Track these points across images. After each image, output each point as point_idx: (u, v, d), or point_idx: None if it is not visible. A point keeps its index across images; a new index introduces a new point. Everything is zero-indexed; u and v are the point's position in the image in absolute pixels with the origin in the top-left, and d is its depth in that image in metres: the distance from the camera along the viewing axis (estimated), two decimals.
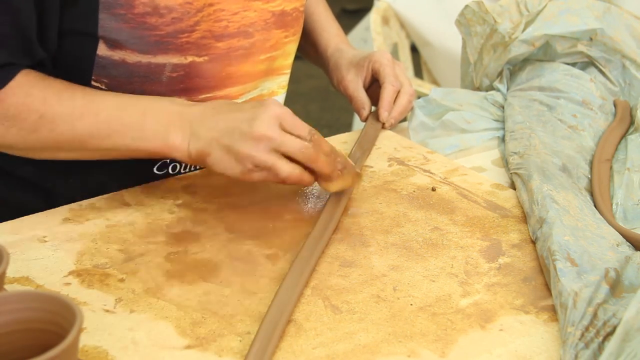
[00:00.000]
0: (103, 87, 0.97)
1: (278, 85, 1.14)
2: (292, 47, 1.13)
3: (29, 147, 0.92)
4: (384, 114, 1.18)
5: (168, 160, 1.06)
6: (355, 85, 1.22)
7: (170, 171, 1.07)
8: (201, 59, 0.99)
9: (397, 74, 1.21)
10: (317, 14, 1.31)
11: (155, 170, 1.06)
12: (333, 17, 1.34)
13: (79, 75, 0.96)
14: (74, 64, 0.96)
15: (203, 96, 1.03)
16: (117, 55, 0.95)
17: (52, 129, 0.90)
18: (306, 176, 0.90)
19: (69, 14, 0.92)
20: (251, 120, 0.88)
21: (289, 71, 1.15)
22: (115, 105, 0.93)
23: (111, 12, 0.92)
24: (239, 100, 1.07)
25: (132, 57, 0.95)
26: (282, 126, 0.88)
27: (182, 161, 0.97)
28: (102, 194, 0.99)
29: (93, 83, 0.97)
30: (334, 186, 0.93)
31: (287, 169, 0.88)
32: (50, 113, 0.90)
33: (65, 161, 0.97)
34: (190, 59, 0.98)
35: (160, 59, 0.96)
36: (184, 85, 1.00)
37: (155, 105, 0.94)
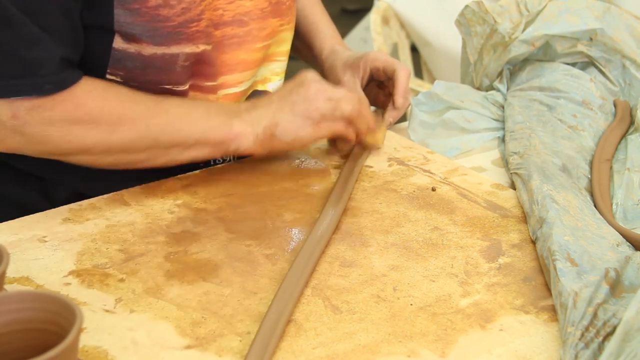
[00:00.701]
0: (118, 80, 0.98)
1: (271, 72, 1.15)
2: (286, 35, 1.14)
3: (106, 148, 0.94)
4: (399, 100, 1.17)
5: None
6: (352, 86, 1.22)
7: None
8: (209, 47, 1.02)
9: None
10: (312, 15, 1.31)
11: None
12: (329, 19, 1.34)
13: (94, 69, 0.97)
14: (90, 58, 0.97)
15: (207, 83, 1.05)
16: (132, 48, 0.96)
17: (130, 129, 0.94)
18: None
19: (86, 10, 0.93)
20: (299, 86, 0.99)
21: (284, 58, 1.16)
22: (180, 104, 0.99)
23: (126, 6, 0.93)
24: (237, 89, 1.09)
25: (147, 50, 0.96)
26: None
27: (248, 150, 1.00)
28: (103, 184, 1.00)
29: (108, 76, 0.98)
30: (377, 137, 1.08)
31: (349, 105, 1.00)
32: (129, 114, 0.94)
33: None
34: (202, 47, 1.00)
35: (174, 50, 0.98)
36: (192, 72, 1.02)
37: (214, 104, 1.02)
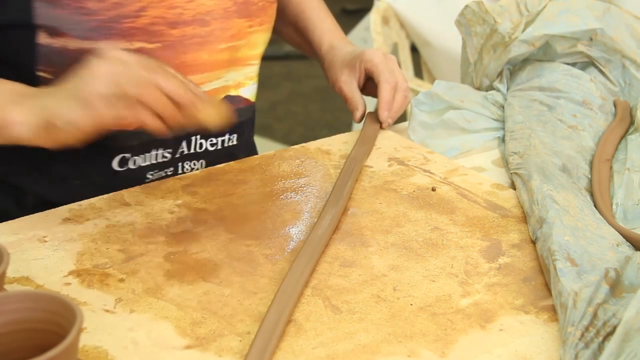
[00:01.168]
0: (50, 77, 0.95)
1: (245, 77, 1.13)
2: (259, 38, 1.12)
3: None
4: (383, 114, 1.17)
5: (129, 155, 1.04)
6: (350, 87, 1.22)
7: (131, 166, 1.05)
8: (152, 46, 0.99)
9: (392, 69, 1.20)
10: (309, 10, 1.30)
11: (114, 166, 1.04)
12: (327, 12, 1.32)
13: (23, 67, 0.95)
14: (16, 56, 0.95)
15: None
16: (57, 42, 0.94)
17: None
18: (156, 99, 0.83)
19: (1, 7, 0.91)
20: (89, 66, 0.83)
21: (256, 62, 1.14)
22: None
23: None
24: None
25: (72, 44, 0.94)
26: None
27: (30, 141, 0.85)
28: (66, 189, 1.00)
29: (39, 73, 0.96)
30: (205, 115, 0.85)
31: (135, 86, 0.81)
32: None
33: (26, 155, 0.97)
34: (138, 45, 0.98)
35: (102, 45, 0.94)
36: None
37: (6, 86, 0.88)
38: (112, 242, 0.88)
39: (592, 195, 1.00)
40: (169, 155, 1.08)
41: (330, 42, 1.27)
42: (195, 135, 1.09)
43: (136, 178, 1.06)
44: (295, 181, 1.03)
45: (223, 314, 0.76)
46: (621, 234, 0.90)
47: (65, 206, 0.96)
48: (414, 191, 1.01)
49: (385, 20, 2.29)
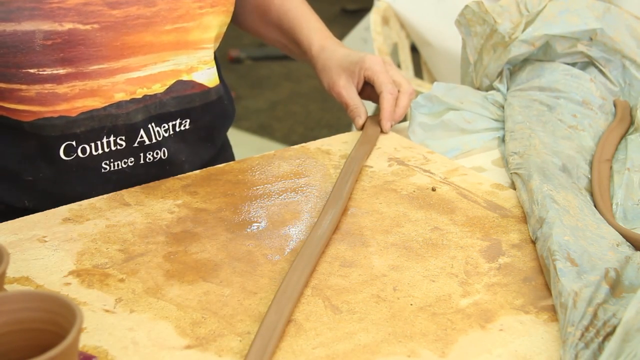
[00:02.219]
0: None
1: (198, 61, 1.09)
2: (211, 20, 1.08)
3: None
4: (386, 125, 1.17)
5: (74, 143, 1.02)
6: (349, 93, 1.20)
7: (80, 154, 1.03)
8: (88, 27, 0.96)
9: (393, 77, 1.20)
10: (293, 9, 1.26)
11: (62, 155, 1.02)
12: (311, 11, 1.28)
13: None
14: None
15: (95, 67, 0.99)
16: None
17: None
18: None
19: None
20: None
21: (211, 46, 1.10)
22: None
23: None
24: (141, 74, 1.03)
25: None
26: None
27: None
28: (22, 189, 1.00)
29: None
30: None
31: None
32: None
33: None
34: (69, 26, 0.95)
35: (26, 26, 0.92)
36: (65, 54, 0.96)
37: None
38: (112, 242, 0.88)
39: (592, 195, 1.00)
40: (123, 144, 1.05)
41: (320, 42, 1.24)
42: (151, 122, 1.06)
43: (91, 168, 1.03)
44: (295, 181, 1.03)
45: (223, 314, 0.76)
46: (621, 234, 0.90)
47: (65, 206, 0.96)
48: (414, 191, 1.01)
49: (385, 20, 2.29)
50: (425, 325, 0.75)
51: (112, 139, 1.04)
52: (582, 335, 0.71)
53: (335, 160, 1.10)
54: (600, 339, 0.70)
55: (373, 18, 2.29)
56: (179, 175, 1.04)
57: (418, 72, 2.44)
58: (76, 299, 0.78)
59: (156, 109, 1.06)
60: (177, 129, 1.09)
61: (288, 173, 1.05)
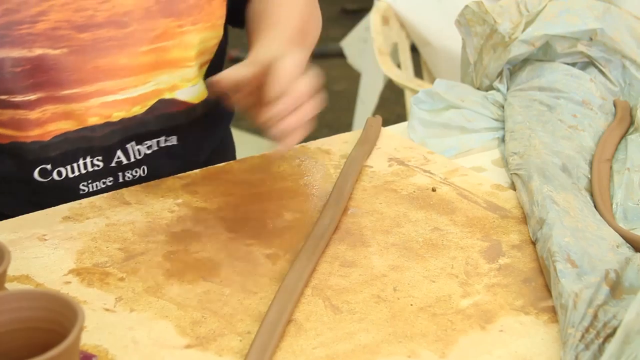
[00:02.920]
0: None
1: (181, 79, 1.04)
2: (193, 38, 1.02)
3: None
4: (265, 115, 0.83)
5: (49, 167, 1.00)
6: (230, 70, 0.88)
7: (55, 177, 1.01)
8: (57, 52, 0.93)
9: (298, 85, 0.83)
10: (272, 7, 1.04)
11: (36, 177, 1.01)
12: (294, 18, 1.02)
13: None
14: None
15: (69, 91, 0.96)
16: None
17: None
18: None
19: None
20: None
21: (193, 64, 1.04)
22: None
23: None
24: (118, 97, 1.00)
25: None
26: None
27: None
28: None
29: None
30: None
31: None
32: None
33: None
34: (39, 51, 0.92)
35: None
36: (35, 80, 0.94)
37: None
38: (112, 240, 0.88)
39: (592, 195, 1.00)
40: (100, 164, 1.03)
41: (266, 42, 0.95)
42: (130, 142, 1.04)
43: (68, 190, 1.01)
44: (295, 181, 1.03)
45: (223, 314, 0.76)
46: (621, 235, 0.90)
47: (65, 205, 0.96)
48: (414, 191, 1.01)
49: (385, 20, 2.29)
50: (426, 326, 0.75)
51: (88, 160, 1.02)
52: (583, 336, 0.71)
53: (335, 160, 1.10)
54: (601, 340, 0.70)
55: (373, 18, 2.29)
56: (179, 174, 1.04)
57: (418, 72, 2.44)
58: (76, 297, 0.78)
59: (136, 129, 1.03)
60: (163, 145, 1.07)
61: (288, 173, 1.05)
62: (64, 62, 0.95)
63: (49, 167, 1.01)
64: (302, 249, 0.85)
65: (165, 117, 1.05)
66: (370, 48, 2.45)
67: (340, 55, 3.17)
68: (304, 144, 1.15)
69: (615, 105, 1.23)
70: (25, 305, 0.62)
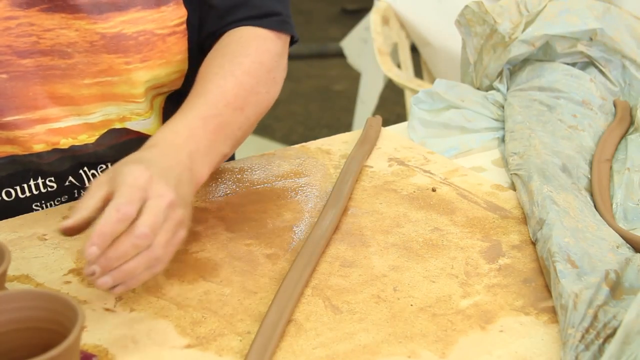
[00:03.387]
0: None
1: (130, 112, 0.99)
2: (142, 76, 0.97)
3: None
4: (89, 249, 0.69)
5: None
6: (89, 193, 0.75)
7: (5, 198, 0.98)
8: None
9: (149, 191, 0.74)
10: (202, 76, 0.95)
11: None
12: (226, 90, 0.92)
13: None
14: None
15: (9, 118, 0.94)
16: None
17: None
18: None
19: None
20: None
21: (143, 100, 0.99)
22: None
23: None
24: (62, 124, 0.96)
25: None
26: None
27: None
28: None
29: None
30: None
31: None
32: None
33: None
34: None
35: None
36: None
37: None
38: None
39: (592, 195, 1.00)
40: (54, 185, 1.00)
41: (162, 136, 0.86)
42: (82, 167, 1.00)
43: (20, 210, 0.97)
44: (295, 181, 1.03)
45: (223, 314, 0.76)
46: (621, 236, 0.90)
47: (65, 204, 0.96)
48: (414, 191, 1.01)
49: (385, 20, 2.29)
50: (426, 326, 0.75)
51: (40, 181, 0.99)
52: (583, 337, 0.71)
53: (336, 160, 1.10)
54: (601, 341, 0.70)
55: (373, 18, 2.29)
56: None
57: (418, 72, 2.44)
58: (76, 297, 0.78)
59: (88, 158, 1.00)
60: None
61: (288, 172, 1.05)
62: (4, 88, 0.92)
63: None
64: (302, 249, 0.85)
65: (118, 147, 1.01)
66: (370, 48, 2.45)
67: (340, 55, 3.17)
68: (304, 144, 1.15)
69: (615, 105, 1.23)
70: (25, 305, 0.62)
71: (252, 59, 0.96)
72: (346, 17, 4.44)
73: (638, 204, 0.97)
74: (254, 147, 3.32)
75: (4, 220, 0.92)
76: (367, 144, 1.12)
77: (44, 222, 0.92)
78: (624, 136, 1.15)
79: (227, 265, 0.84)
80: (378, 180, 1.04)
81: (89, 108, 0.97)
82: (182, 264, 0.84)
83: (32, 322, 0.62)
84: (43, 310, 0.62)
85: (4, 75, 0.92)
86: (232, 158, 1.26)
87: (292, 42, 1.05)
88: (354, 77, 3.10)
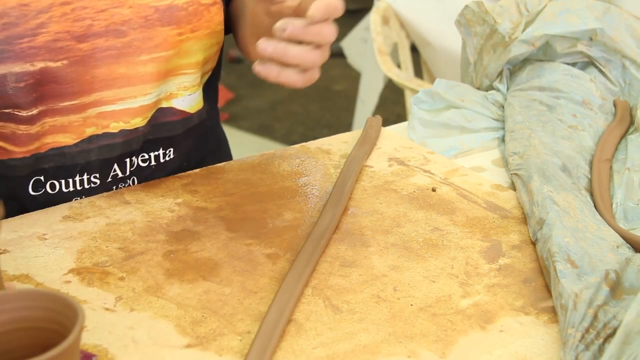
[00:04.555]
0: None
1: (177, 87, 1.03)
2: (192, 46, 1.01)
3: None
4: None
5: (42, 178, 0.99)
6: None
7: (49, 190, 0.99)
8: (58, 64, 0.92)
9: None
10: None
11: (30, 191, 0.99)
12: None
13: None
14: None
15: (66, 103, 0.95)
16: None
17: None
18: None
19: None
20: None
21: (193, 71, 1.03)
22: None
23: None
24: (116, 107, 0.98)
25: None
26: None
27: None
28: None
29: None
30: None
31: None
32: None
33: None
34: (39, 65, 0.91)
35: None
36: (38, 93, 0.93)
37: None
38: (112, 240, 0.88)
39: (592, 195, 1.00)
40: (97, 181, 1.01)
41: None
42: (129, 157, 1.02)
43: (59, 203, 0.98)
44: (295, 181, 1.03)
45: (223, 313, 0.76)
46: (621, 236, 0.90)
47: (65, 204, 0.96)
48: (414, 191, 1.01)
49: (385, 20, 2.29)
50: (426, 326, 0.75)
51: (85, 177, 1.00)
52: (583, 337, 0.71)
53: (336, 160, 1.10)
54: (601, 341, 0.70)
55: (373, 18, 2.29)
56: (179, 174, 1.04)
57: (418, 72, 2.44)
58: (76, 297, 0.78)
59: (138, 143, 1.02)
60: (161, 160, 1.06)
61: (288, 172, 1.05)
62: (64, 74, 0.93)
63: (41, 178, 0.99)
64: (302, 249, 0.85)
65: (160, 126, 1.04)
66: (370, 48, 2.46)
67: (340, 55, 3.17)
68: (303, 143, 1.15)
69: (615, 105, 1.23)
70: (25, 304, 0.62)
71: None
72: (346, 17, 4.44)
73: (638, 204, 0.97)
74: (254, 147, 3.33)
75: (3, 220, 0.92)
76: (367, 144, 1.12)
77: (44, 221, 0.92)
78: (624, 136, 1.15)
79: (227, 265, 0.84)
80: (378, 180, 1.04)
81: (143, 88, 0.99)
82: (182, 263, 0.84)
83: (32, 322, 0.62)
84: (43, 310, 0.62)
85: (65, 61, 0.93)
86: (231, 158, 1.26)
87: None
88: (354, 77, 3.10)
